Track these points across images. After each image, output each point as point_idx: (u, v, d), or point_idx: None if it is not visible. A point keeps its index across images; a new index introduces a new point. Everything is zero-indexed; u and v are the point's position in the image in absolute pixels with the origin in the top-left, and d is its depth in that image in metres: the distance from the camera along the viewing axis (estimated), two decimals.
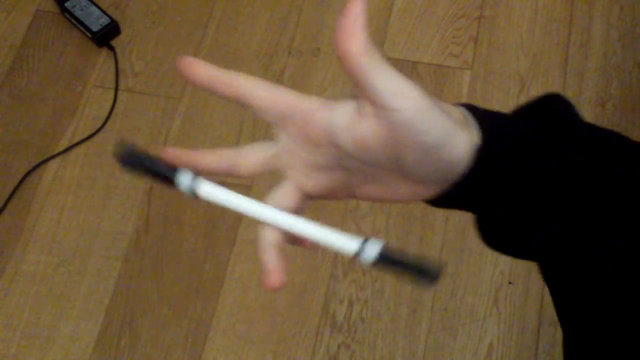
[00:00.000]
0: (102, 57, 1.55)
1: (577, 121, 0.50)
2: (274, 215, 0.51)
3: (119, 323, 1.31)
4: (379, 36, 1.56)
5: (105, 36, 1.55)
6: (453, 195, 0.48)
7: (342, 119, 0.46)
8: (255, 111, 0.49)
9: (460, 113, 0.47)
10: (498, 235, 0.51)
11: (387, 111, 0.43)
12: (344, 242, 0.48)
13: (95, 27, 1.54)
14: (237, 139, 1.46)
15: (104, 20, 1.55)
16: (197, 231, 1.38)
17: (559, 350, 1.28)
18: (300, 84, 1.51)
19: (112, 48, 1.54)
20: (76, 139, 1.46)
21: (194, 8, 1.60)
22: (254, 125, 1.47)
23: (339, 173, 0.49)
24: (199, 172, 0.50)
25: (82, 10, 1.56)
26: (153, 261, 1.36)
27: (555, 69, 1.52)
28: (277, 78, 1.51)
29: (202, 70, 0.49)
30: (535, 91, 1.50)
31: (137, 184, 1.42)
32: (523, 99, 1.48)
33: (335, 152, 0.47)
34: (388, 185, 0.48)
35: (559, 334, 1.32)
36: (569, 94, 1.49)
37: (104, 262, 1.36)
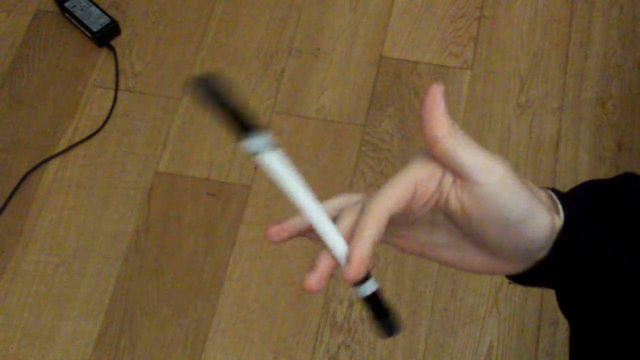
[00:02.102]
0: (102, 57, 1.55)
1: None
2: (319, 219, 0.47)
3: (119, 323, 1.31)
4: (379, 36, 1.56)
5: (105, 36, 1.55)
6: (532, 275, 0.49)
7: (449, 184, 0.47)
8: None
9: (546, 195, 0.48)
10: (578, 309, 0.52)
11: (474, 185, 0.45)
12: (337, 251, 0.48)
13: (95, 27, 1.54)
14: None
15: (104, 20, 1.55)
16: (197, 231, 1.38)
17: (559, 350, 1.28)
18: (300, 84, 1.51)
19: (112, 48, 1.54)
20: (76, 139, 1.46)
21: (194, 8, 1.60)
22: None
23: (425, 227, 0.50)
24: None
25: (82, 10, 1.56)
26: (153, 261, 1.36)
27: (555, 69, 1.52)
28: (277, 78, 1.51)
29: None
30: (535, 91, 1.50)
31: (137, 184, 1.42)
32: (523, 99, 1.48)
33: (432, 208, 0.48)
34: (466, 253, 0.49)
35: (559, 334, 1.32)
36: (569, 94, 1.50)
37: (104, 262, 1.36)
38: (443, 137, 0.45)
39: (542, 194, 0.48)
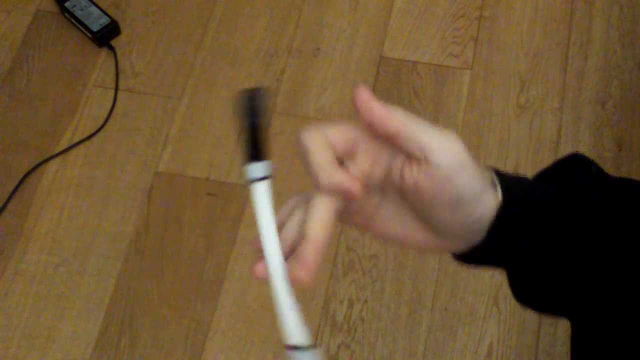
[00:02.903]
0: (102, 57, 1.55)
1: (599, 178, 0.51)
2: (273, 254, 0.50)
3: (119, 323, 1.31)
4: (379, 36, 1.56)
5: (105, 36, 1.55)
6: (473, 255, 0.49)
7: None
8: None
9: (489, 173, 0.48)
10: (527, 293, 0.52)
11: (430, 166, 0.45)
12: (294, 328, 0.49)
13: (95, 27, 1.54)
14: (237, 139, 1.46)
15: (104, 20, 1.55)
16: (197, 231, 1.38)
17: (559, 350, 1.28)
18: (300, 84, 1.51)
19: (112, 48, 1.55)
20: (76, 139, 1.46)
21: (194, 8, 1.60)
22: None
23: (375, 195, 0.49)
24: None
25: (82, 10, 1.56)
26: (153, 261, 1.36)
27: (555, 69, 1.52)
28: (277, 78, 1.51)
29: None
30: (535, 91, 1.50)
31: (137, 184, 1.42)
32: (523, 99, 1.48)
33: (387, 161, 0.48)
34: (410, 230, 0.49)
35: (559, 334, 1.32)
36: (569, 94, 1.50)
37: (104, 262, 1.36)
38: (387, 114, 0.46)
39: (486, 172, 0.48)
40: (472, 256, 0.50)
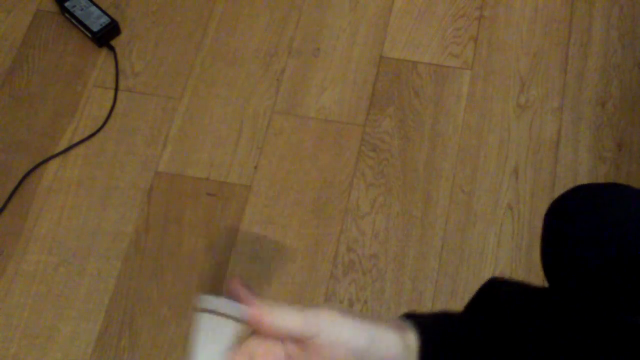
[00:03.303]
0: (102, 57, 1.55)
1: (511, 304, 0.56)
2: None
3: (119, 323, 1.31)
4: (379, 36, 1.56)
5: (105, 36, 1.55)
6: None
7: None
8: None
9: (394, 321, 0.53)
10: None
11: (310, 341, 0.49)
12: None
13: (95, 27, 1.54)
14: (237, 139, 1.46)
15: (104, 20, 1.55)
16: (197, 231, 1.38)
17: None
18: (300, 84, 1.51)
19: (112, 48, 1.54)
20: (76, 139, 1.46)
21: (194, 8, 1.60)
22: (254, 126, 1.47)
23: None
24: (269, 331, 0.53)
25: (82, 10, 1.56)
26: (153, 261, 1.36)
27: (555, 69, 1.52)
28: (277, 78, 1.51)
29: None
30: (535, 91, 1.50)
31: (137, 184, 1.42)
32: (523, 99, 1.48)
33: None
34: None
35: None
36: (569, 94, 1.50)
37: (104, 262, 1.36)
38: (260, 313, 0.51)
39: (385, 320, 0.53)
40: None
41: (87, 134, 1.47)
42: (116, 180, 1.43)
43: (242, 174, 1.43)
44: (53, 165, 1.44)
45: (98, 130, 1.47)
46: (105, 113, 1.49)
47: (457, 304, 1.31)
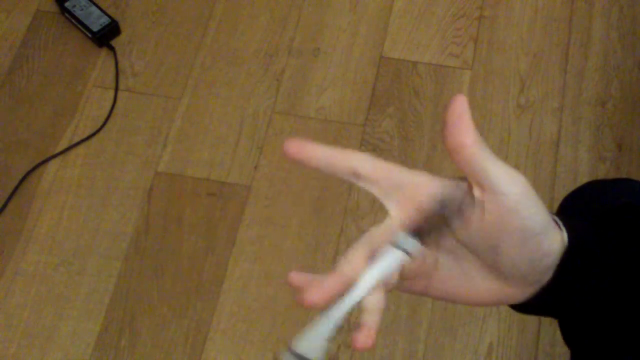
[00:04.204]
0: (102, 57, 1.55)
1: None
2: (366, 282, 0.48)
3: (119, 323, 1.31)
4: (379, 36, 1.56)
5: (105, 36, 1.55)
6: (535, 303, 0.49)
7: (455, 195, 0.46)
8: (366, 183, 0.48)
9: (551, 215, 0.48)
10: (581, 340, 0.53)
11: (497, 195, 0.44)
12: (394, 262, 0.46)
13: (95, 27, 1.54)
14: (237, 139, 1.46)
15: (104, 20, 1.55)
16: (197, 231, 1.38)
17: (559, 350, 1.28)
18: (300, 84, 1.51)
19: (112, 48, 1.54)
20: (76, 139, 1.46)
21: (194, 8, 1.60)
22: (254, 126, 1.47)
23: (433, 252, 0.48)
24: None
25: (82, 10, 1.56)
26: (153, 261, 1.36)
27: (555, 69, 1.52)
28: (277, 78, 1.51)
29: (315, 152, 0.48)
30: (535, 91, 1.50)
31: (137, 184, 1.42)
32: (523, 99, 1.48)
33: (439, 224, 0.47)
34: (473, 281, 0.48)
35: (558, 334, 1.32)
36: (569, 94, 1.50)
37: (104, 262, 1.36)
38: (472, 144, 0.45)
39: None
40: (536, 303, 0.49)
41: (87, 134, 1.47)
42: (116, 180, 1.43)
43: (242, 174, 1.43)
44: (53, 165, 1.44)
45: (98, 130, 1.47)
46: (105, 113, 1.49)
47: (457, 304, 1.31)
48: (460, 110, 0.45)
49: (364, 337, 0.48)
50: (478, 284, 0.48)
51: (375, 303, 0.47)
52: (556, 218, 0.48)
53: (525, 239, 0.45)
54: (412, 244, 0.46)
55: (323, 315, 0.49)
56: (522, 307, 0.50)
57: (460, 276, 0.48)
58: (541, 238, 0.45)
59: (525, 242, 0.45)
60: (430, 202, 0.47)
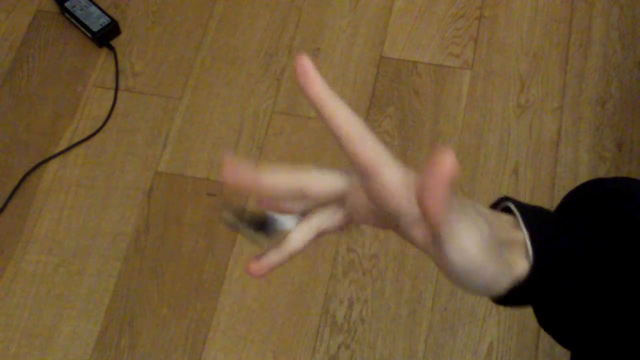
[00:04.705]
0: (102, 57, 1.55)
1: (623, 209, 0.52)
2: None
3: (119, 323, 1.31)
4: (379, 36, 1.56)
5: (105, 36, 1.55)
6: (507, 299, 0.49)
7: (410, 210, 0.46)
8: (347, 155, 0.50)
9: (510, 227, 0.48)
10: (554, 325, 0.53)
11: (443, 255, 0.44)
12: None
13: (95, 27, 1.54)
14: (237, 139, 1.46)
15: (104, 20, 1.55)
16: (197, 231, 1.38)
17: (559, 350, 1.28)
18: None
19: (112, 48, 1.54)
20: (76, 139, 1.46)
21: (194, 8, 1.60)
22: (254, 126, 1.47)
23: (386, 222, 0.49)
24: (265, 193, 0.51)
25: (82, 10, 1.56)
26: (153, 261, 1.36)
27: (555, 69, 1.52)
28: (277, 78, 1.51)
29: (318, 86, 0.50)
30: (535, 91, 1.50)
31: (137, 184, 1.42)
32: (523, 99, 1.48)
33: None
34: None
35: None
36: (569, 94, 1.50)
37: (104, 262, 1.36)
38: (441, 213, 0.42)
39: (507, 232, 0.48)
40: (506, 299, 0.50)
41: (87, 134, 1.47)
42: (116, 180, 1.43)
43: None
44: (53, 165, 1.44)
45: (98, 130, 1.47)
46: (105, 113, 1.49)
47: (457, 304, 1.32)
48: (443, 175, 0.40)
49: (256, 265, 0.50)
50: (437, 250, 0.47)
51: (294, 243, 0.50)
52: (525, 235, 0.48)
53: (464, 274, 0.45)
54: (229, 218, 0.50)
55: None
56: (499, 300, 0.51)
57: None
58: (487, 290, 0.47)
59: (467, 276, 0.45)
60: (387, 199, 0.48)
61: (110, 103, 1.50)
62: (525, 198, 1.40)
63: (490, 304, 1.31)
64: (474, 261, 0.44)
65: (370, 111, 1.48)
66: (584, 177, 1.43)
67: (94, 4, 1.57)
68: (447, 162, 0.39)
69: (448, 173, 0.39)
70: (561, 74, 1.52)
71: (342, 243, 1.36)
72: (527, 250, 0.47)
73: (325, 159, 1.43)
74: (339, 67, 1.53)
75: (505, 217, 0.50)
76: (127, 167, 1.44)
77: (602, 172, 1.42)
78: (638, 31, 1.56)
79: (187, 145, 1.46)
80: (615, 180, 0.56)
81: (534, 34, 1.56)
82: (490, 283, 0.46)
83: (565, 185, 1.41)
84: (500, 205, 0.52)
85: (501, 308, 1.31)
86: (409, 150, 1.45)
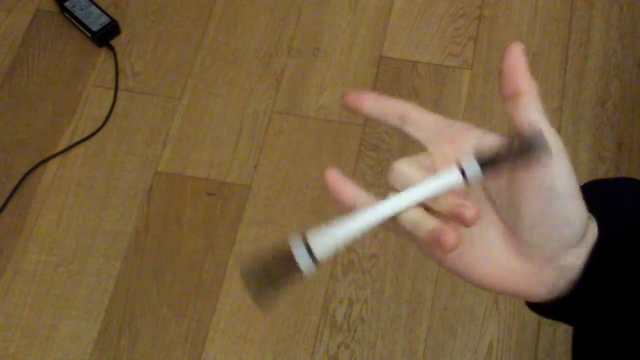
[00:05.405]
0: (102, 57, 1.55)
1: None
2: (387, 208, 0.49)
3: (119, 323, 1.31)
4: (379, 36, 1.56)
5: (105, 36, 1.55)
6: (553, 306, 0.48)
7: (494, 143, 0.47)
8: (412, 128, 0.51)
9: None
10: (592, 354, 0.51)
11: (547, 177, 0.44)
12: (449, 180, 0.46)
13: (95, 27, 1.54)
14: (237, 139, 1.46)
15: (104, 20, 1.55)
16: (197, 231, 1.38)
17: (559, 350, 1.28)
18: (299, 84, 1.51)
19: (112, 48, 1.55)
20: (76, 139, 1.46)
21: (194, 8, 1.60)
22: (254, 126, 1.47)
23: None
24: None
25: (82, 10, 1.56)
26: (153, 261, 1.36)
27: (555, 69, 1.52)
28: (277, 78, 1.51)
29: (368, 99, 0.50)
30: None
31: (137, 184, 1.42)
32: None
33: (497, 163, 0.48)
34: (491, 252, 0.47)
35: (559, 334, 1.32)
36: (569, 94, 1.50)
37: (104, 262, 1.36)
38: (526, 92, 0.48)
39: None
40: (557, 302, 0.48)
41: (87, 134, 1.47)
42: (116, 180, 1.43)
43: (242, 174, 1.43)
44: (53, 165, 1.44)
45: (98, 130, 1.47)
46: (105, 113, 1.49)
47: (457, 304, 1.31)
48: (516, 57, 0.48)
49: (451, 236, 0.44)
50: (495, 255, 0.47)
51: (412, 221, 0.47)
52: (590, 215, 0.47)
53: (550, 199, 0.44)
54: (474, 169, 0.45)
55: (351, 218, 0.49)
56: (541, 308, 0.49)
57: (480, 243, 0.47)
58: (566, 203, 0.44)
59: (550, 203, 0.44)
60: (471, 146, 0.49)
61: (110, 103, 1.50)
62: None
63: (490, 303, 1.31)
64: (563, 155, 0.45)
65: None
66: (584, 177, 1.43)
67: (94, 4, 1.57)
68: (514, 46, 0.48)
69: (519, 50, 0.48)
70: (561, 74, 1.52)
71: None
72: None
73: (326, 159, 1.43)
74: (339, 67, 1.53)
75: None
76: (127, 167, 1.44)
77: (602, 172, 1.42)
78: (638, 31, 1.56)
79: (187, 145, 1.46)
80: (615, 182, 0.55)
81: (534, 34, 1.56)
82: (572, 219, 0.45)
83: None
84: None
85: (501, 308, 1.31)
86: (409, 150, 1.45)
